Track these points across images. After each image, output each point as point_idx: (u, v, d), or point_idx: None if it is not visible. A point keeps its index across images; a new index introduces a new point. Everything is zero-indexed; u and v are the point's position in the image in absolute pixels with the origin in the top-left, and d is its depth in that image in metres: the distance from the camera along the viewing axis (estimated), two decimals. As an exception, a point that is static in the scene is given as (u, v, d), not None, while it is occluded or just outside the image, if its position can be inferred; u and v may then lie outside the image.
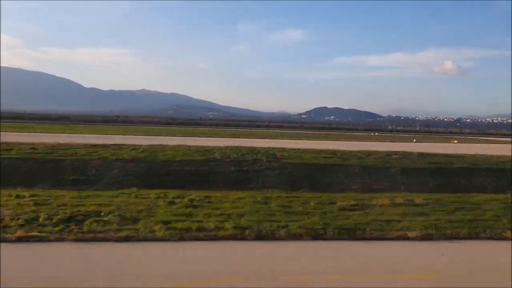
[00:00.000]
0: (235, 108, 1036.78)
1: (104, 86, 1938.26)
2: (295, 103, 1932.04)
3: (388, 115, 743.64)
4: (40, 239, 20.43)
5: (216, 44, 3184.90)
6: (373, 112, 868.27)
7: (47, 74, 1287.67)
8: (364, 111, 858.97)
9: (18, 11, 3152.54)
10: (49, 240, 20.43)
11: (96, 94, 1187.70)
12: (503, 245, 22.14)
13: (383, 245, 21.99)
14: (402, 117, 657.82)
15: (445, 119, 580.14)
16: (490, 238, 23.45)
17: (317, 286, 16.05)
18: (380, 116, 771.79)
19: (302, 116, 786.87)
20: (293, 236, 22.55)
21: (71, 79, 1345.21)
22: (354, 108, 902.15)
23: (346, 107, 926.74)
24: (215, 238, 21.91)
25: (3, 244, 19.27)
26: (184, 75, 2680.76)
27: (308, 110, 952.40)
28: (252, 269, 17.71)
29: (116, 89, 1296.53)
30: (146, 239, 21.36)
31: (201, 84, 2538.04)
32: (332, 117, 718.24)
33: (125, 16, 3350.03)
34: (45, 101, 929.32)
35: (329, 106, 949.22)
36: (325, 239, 22.55)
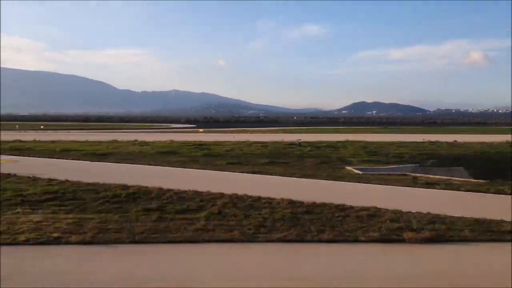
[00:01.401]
0: (264, 105, 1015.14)
1: (137, 87, 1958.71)
2: (324, 99, 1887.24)
3: (437, 108, 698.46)
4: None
5: (236, 41, 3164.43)
6: (415, 106, 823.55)
7: (80, 76, 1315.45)
8: (405, 105, 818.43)
9: (37, 14, 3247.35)
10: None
11: (130, 95, 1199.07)
12: None
13: None
14: (453, 110, 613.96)
15: (500, 111, 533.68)
16: None
17: None
18: (424, 110, 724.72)
19: (343, 111, 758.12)
20: None
21: (104, 81, 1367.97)
22: (395, 102, 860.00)
23: (386, 101, 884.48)
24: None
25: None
26: (207, 73, 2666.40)
27: (346, 105, 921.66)
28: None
29: (149, 90, 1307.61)
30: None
31: (226, 83, 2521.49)
32: (374, 112, 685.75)
33: (143, 16, 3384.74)
34: (79, 103, 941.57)
35: (368, 101, 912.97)
36: None
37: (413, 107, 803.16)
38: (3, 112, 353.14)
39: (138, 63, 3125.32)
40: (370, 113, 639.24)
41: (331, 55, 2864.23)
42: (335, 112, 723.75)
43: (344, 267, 9.12)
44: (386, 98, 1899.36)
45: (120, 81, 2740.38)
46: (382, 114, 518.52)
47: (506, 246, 10.62)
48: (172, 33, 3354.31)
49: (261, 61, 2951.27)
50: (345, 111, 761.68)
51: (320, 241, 10.58)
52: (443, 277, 8.54)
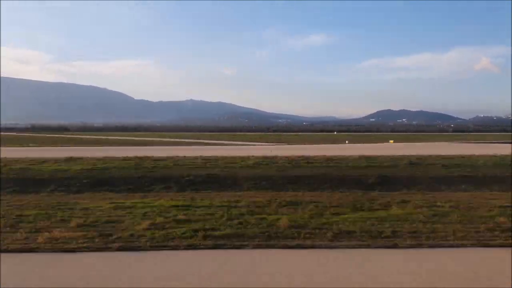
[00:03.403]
0: (279, 114, 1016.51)
1: (153, 97, 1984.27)
2: (337, 107, 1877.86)
3: (476, 115, 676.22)
4: None
5: (244, 50, 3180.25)
6: (444, 113, 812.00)
7: (99, 87, 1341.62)
8: (433, 112, 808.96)
9: (41, 24, 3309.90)
10: None
11: (146, 105, 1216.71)
12: None
13: None
14: (495, 117, 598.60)
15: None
16: None
17: None
18: (454, 118, 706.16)
19: (371, 119, 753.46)
20: None
21: (122, 92, 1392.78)
22: (422, 109, 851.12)
23: (413, 109, 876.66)
24: None
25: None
26: (218, 82, 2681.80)
27: (371, 113, 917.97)
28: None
29: (165, 100, 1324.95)
30: None
31: (237, 92, 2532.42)
32: (404, 119, 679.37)
33: (145, 26, 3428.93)
34: (98, 113, 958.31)
35: (394, 109, 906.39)
36: None
37: (441, 114, 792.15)
38: (23, 123, 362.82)
39: (147, 74, 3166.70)
40: (400, 121, 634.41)
41: (337, 63, 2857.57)
42: (364, 120, 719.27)
43: None
44: (408, 105, 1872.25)
45: (136, 91, 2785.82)
46: (415, 122, 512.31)
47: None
48: (179, 43, 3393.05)
49: (268, 70, 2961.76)
50: (373, 119, 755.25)
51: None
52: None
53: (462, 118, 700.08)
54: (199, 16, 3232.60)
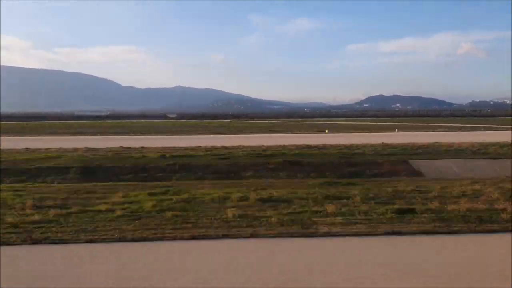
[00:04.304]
0: (267, 100, 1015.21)
1: (141, 84, 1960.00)
2: (324, 93, 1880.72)
3: (472, 101, 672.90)
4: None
5: (231, 36, 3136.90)
6: (436, 98, 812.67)
7: (86, 74, 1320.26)
8: (427, 98, 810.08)
9: (26, 11, 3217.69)
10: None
11: (134, 92, 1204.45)
12: None
13: None
14: (491, 101, 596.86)
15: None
16: None
17: None
18: (449, 104, 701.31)
19: (364, 105, 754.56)
20: None
21: (109, 79, 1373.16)
22: (415, 94, 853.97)
23: (405, 94, 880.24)
24: None
25: None
26: (206, 69, 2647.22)
27: (361, 99, 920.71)
28: None
29: (153, 87, 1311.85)
30: None
31: (225, 78, 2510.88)
32: (398, 105, 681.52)
33: (132, 12, 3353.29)
34: (86, 101, 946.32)
35: (386, 94, 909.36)
36: None
37: (434, 99, 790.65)
38: (7, 110, 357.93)
39: (134, 60, 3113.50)
40: (394, 106, 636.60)
41: (323, 49, 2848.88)
42: (357, 106, 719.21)
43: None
44: (399, 91, 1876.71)
45: (123, 78, 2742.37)
46: (410, 107, 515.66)
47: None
48: (166, 30, 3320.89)
49: (256, 56, 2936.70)
50: (366, 105, 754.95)
51: None
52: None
53: (457, 103, 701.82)
54: (188, 2, 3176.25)
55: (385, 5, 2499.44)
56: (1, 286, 10.22)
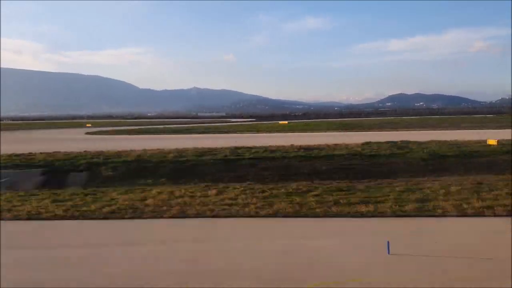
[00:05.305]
0: (286, 100, 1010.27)
1: (157, 86, 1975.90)
2: (341, 93, 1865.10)
3: (501, 98, 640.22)
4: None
5: (240, 36, 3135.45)
6: (461, 96, 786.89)
7: (103, 77, 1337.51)
8: (451, 95, 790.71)
9: (35, 14, 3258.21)
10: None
11: (151, 94, 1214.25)
12: None
13: None
14: None
15: None
16: None
17: None
18: (475, 102, 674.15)
19: (387, 104, 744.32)
20: None
21: (126, 81, 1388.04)
22: (438, 92, 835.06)
23: (428, 93, 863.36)
24: None
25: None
26: (219, 69, 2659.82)
27: (382, 98, 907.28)
28: None
29: (169, 88, 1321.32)
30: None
31: (238, 79, 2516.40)
32: (422, 103, 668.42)
33: (142, 15, 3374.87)
34: (104, 103, 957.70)
35: (408, 93, 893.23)
36: None
37: (459, 97, 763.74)
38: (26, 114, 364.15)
39: (146, 62, 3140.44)
40: (418, 104, 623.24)
41: (333, 48, 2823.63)
42: (380, 105, 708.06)
43: None
44: (422, 89, 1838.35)
45: (139, 81, 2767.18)
46: (434, 106, 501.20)
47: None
48: (178, 31, 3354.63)
49: (268, 56, 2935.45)
50: (389, 103, 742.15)
51: None
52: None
53: (482, 101, 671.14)
54: (196, 3, 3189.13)
55: (396, 4, 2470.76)
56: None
